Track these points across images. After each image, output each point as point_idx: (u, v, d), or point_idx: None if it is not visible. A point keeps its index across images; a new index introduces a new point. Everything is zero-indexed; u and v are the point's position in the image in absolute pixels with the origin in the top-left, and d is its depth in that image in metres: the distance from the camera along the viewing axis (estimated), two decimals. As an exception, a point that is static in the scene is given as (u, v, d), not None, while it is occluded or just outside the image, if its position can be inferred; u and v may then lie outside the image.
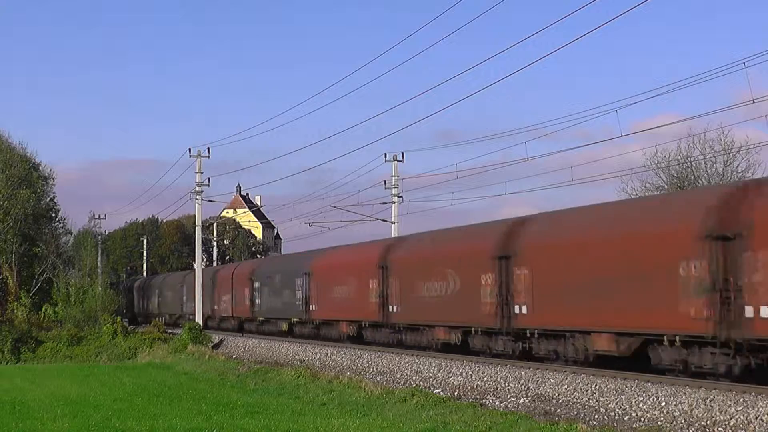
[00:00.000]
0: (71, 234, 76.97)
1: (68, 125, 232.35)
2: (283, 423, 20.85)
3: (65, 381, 35.79)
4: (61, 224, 74.70)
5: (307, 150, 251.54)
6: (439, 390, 26.65)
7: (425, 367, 31.04)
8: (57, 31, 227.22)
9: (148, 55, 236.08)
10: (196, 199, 60.12)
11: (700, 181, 52.90)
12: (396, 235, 52.04)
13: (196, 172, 59.77)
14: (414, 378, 30.07)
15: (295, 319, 49.31)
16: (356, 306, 41.44)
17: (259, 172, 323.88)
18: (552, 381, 25.12)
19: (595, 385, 23.46)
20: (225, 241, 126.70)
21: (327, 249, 49.55)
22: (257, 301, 55.32)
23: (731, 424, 18.69)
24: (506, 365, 28.90)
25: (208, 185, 60.49)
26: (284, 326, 50.87)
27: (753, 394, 20.22)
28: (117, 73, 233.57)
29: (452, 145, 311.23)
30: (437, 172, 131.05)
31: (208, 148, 59.85)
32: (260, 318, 55.34)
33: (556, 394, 23.98)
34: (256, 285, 55.41)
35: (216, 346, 50.55)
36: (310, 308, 46.60)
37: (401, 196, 55.21)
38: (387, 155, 54.91)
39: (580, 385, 23.93)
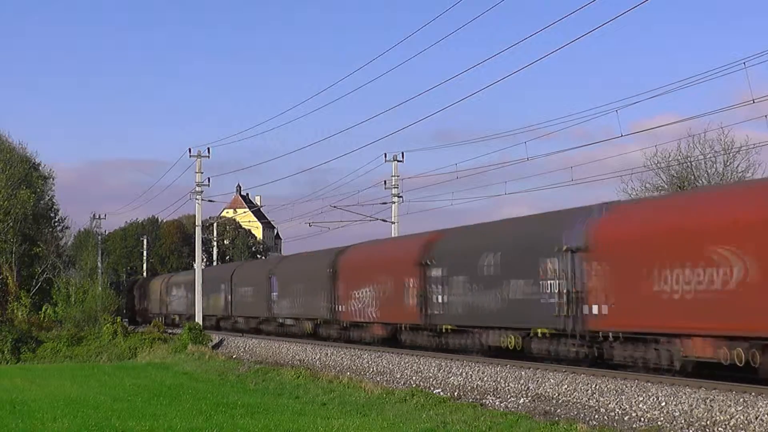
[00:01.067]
0: (68, 228, 77.02)
1: (68, 125, 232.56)
2: (283, 423, 20.85)
3: (65, 381, 35.78)
4: (60, 224, 74.76)
5: (307, 150, 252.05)
6: (439, 390, 26.65)
7: (425, 367, 31.03)
8: (57, 31, 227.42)
9: (148, 55, 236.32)
10: (196, 199, 60.11)
11: (700, 181, 52.91)
12: (395, 235, 52.01)
13: (196, 172, 59.75)
14: (414, 378, 30.07)
15: (542, 331, 28.93)
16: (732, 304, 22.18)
17: (259, 172, 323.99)
18: (552, 381, 25.13)
19: (595, 385, 23.47)
20: (225, 241, 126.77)
21: (615, 204, 29.02)
22: (440, 298, 34.85)
23: (731, 424, 18.69)
24: (506, 365, 28.91)
25: (208, 185, 60.51)
26: (509, 340, 30.64)
27: (753, 394, 20.23)
28: (117, 73, 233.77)
29: (452, 145, 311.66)
30: (437, 172, 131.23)
31: (208, 148, 59.88)
32: (446, 326, 34.75)
33: (556, 394, 23.98)
34: (437, 272, 35.14)
35: (216, 346, 50.54)
36: (584, 310, 26.83)
37: (401, 196, 55.22)
38: (387, 155, 54.95)
39: (580, 385, 23.94)
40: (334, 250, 47.35)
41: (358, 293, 41.86)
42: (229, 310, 60.96)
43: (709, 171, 53.51)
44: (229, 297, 60.60)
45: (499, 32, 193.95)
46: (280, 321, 52.04)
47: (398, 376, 31.03)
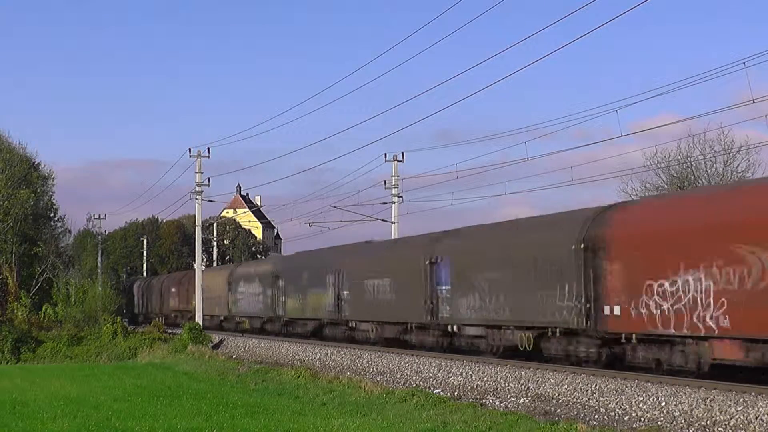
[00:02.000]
0: (70, 232, 77.04)
1: (68, 125, 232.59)
2: (283, 423, 20.84)
3: (65, 381, 35.76)
4: (60, 223, 74.79)
5: (307, 150, 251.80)
6: (439, 390, 26.65)
7: (425, 367, 31.02)
8: (57, 32, 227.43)
9: (148, 55, 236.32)
10: (196, 199, 60.11)
11: (700, 181, 52.92)
12: (396, 236, 51.93)
13: (196, 172, 59.76)
14: (414, 378, 30.06)
15: None
16: None
17: (259, 172, 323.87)
18: (552, 381, 25.12)
19: (595, 385, 23.46)
20: (225, 241, 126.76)
21: None
22: None
23: (731, 424, 18.69)
24: (506, 365, 28.90)
25: (208, 185, 60.52)
26: None
27: (753, 394, 20.23)
28: (117, 74, 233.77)
29: (452, 145, 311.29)
30: (437, 172, 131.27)
31: (208, 148, 59.91)
32: None
33: (556, 394, 23.98)
34: None
35: (216, 346, 50.53)
36: None
37: (401, 196, 55.25)
38: (387, 155, 55.02)
39: (580, 385, 23.93)
40: (582, 213, 29.05)
41: (663, 285, 24.05)
42: (343, 311, 43.95)
43: (709, 171, 53.56)
44: (344, 293, 43.76)
45: (500, 32, 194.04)
46: (453, 328, 34.83)
47: (398, 376, 31.02)
